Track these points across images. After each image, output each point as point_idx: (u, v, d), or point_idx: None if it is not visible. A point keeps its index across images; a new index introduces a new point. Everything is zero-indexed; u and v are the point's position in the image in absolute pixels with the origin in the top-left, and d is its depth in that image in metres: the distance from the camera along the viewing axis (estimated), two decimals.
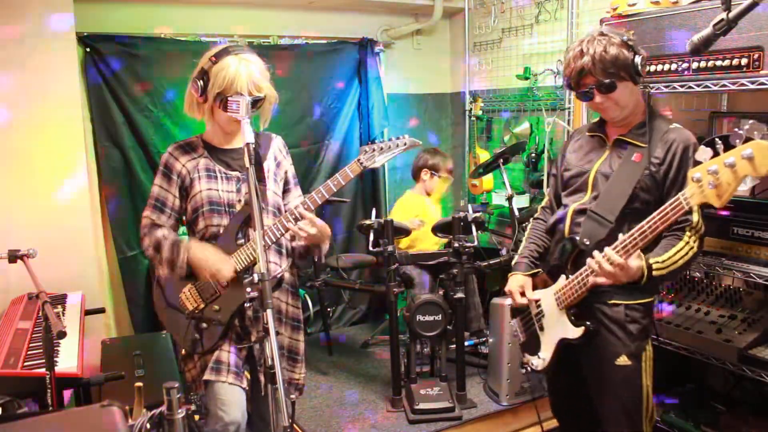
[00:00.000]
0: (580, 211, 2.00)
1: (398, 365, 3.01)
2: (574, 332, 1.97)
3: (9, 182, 3.00)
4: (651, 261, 1.80)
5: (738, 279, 2.44)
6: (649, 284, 1.84)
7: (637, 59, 1.87)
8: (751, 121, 1.53)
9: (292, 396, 2.21)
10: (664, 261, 1.81)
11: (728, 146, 1.51)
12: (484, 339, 3.44)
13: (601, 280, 1.82)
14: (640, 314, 1.95)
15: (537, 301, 2.12)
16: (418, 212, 3.61)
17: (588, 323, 1.96)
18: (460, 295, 2.98)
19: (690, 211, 1.78)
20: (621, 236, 1.79)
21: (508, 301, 2.87)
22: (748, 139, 1.47)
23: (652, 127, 1.92)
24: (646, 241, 1.73)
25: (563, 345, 2.02)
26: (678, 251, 1.82)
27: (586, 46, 1.88)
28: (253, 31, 3.85)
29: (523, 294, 2.14)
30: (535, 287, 2.14)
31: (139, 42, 3.50)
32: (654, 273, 1.79)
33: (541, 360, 2.11)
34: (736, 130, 1.50)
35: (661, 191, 1.89)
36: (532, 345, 2.16)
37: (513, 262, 2.24)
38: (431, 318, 2.95)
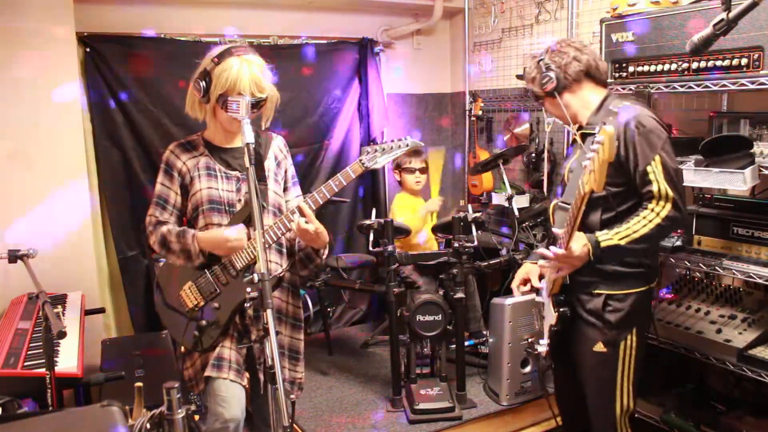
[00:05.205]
0: (555, 205, 2.13)
1: (398, 365, 3.00)
2: (554, 318, 2.04)
3: (9, 182, 3.00)
4: (598, 235, 1.85)
5: (738, 279, 2.43)
6: (609, 258, 1.87)
7: (543, 78, 2.00)
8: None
9: (293, 396, 2.22)
10: (618, 232, 1.84)
11: None
12: (484, 339, 3.44)
13: (565, 272, 1.91)
14: (622, 303, 1.97)
15: (539, 290, 2.19)
16: (414, 209, 3.62)
17: (562, 309, 2.00)
18: (460, 295, 2.98)
19: (648, 182, 1.84)
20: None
21: (508, 301, 2.90)
22: None
23: (600, 113, 1.99)
24: (575, 224, 1.75)
25: (553, 333, 2.08)
26: (639, 221, 1.85)
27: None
28: (253, 31, 3.84)
29: (528, 282, 2.21)
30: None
31: (139, 42, 3.50)
32: (603, 245, 1.83)
33: (542, 345, 2.16)
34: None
35: (627, 172, 1.90)
36: (542, 333, 2.23)
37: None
38: (431, 318, 2.95)
